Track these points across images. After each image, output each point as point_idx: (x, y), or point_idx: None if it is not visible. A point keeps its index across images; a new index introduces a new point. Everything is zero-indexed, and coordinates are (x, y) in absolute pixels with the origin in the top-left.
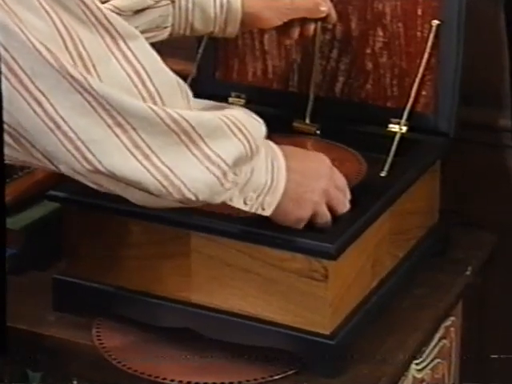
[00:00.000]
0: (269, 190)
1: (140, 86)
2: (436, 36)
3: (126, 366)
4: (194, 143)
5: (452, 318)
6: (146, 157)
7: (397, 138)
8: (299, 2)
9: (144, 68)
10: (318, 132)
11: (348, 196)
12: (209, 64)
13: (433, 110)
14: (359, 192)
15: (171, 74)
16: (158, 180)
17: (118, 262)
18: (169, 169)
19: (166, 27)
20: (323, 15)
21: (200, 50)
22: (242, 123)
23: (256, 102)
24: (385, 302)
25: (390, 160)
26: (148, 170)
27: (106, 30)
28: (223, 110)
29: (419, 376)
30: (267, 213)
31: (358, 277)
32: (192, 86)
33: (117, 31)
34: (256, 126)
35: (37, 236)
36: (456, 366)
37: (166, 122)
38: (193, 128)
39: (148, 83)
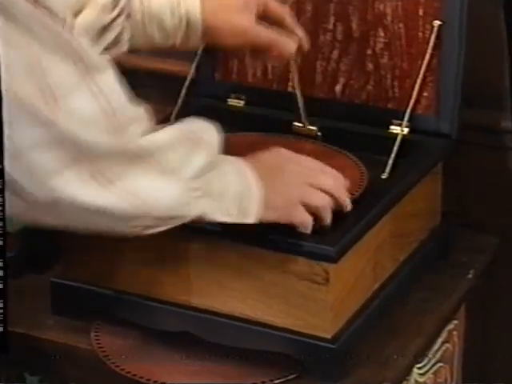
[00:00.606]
0: (248, 197)
1: (105, 119)
2: (437, 37)
3: (125, 370)
4: (154, 163)
5: (454, 322)
6: (108, 183)
7: (398, 139)
8: (264, 35)
9: (110, 102)
10: (319, 134)
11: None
12: (208, 64)
13: (434, 111)
14: (360, 194)
15: (136, 106)
16: (120, 203)
17: (117, 265)
18: (131, 191)
19: (123, 42)
20: (290, 52)
21: (199, 51)
22: (200, 135)
23: (256, 103)
24: (386, 306)
25: (391, 162)
26: (110, 195)
27: (79, 61)
28: (183, 125)
29: (421, 380)
30: (251, 220)
31: (359, 280)
32: (191, 87)
33: (88, 62)
34: (214, 136)
35: (34, 239)
36: (459, 370)
37: (127, 153)
38: (153, 150)
39: (112, 117)
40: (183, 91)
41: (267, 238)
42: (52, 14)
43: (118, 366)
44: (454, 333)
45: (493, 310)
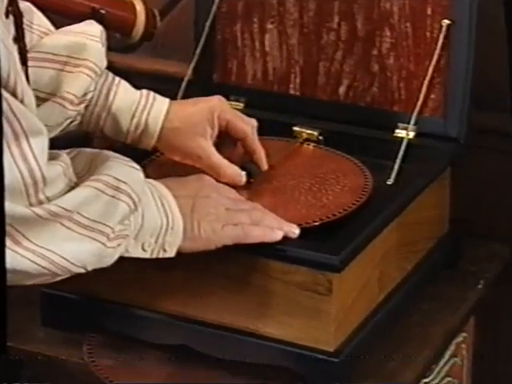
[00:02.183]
0: (167, 229)
1: (31, 187)
2: (446, 36)
3: None
4: (72, 221)
5: (463, 335)
6: (17, 243)
7: (404, 143)
8: (219, 168)
9: (40, 167)
10: (321, 138)
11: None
12: (206, 66)
13: (442, 114)
14: (364, 201)
15: (54, 166)
16: (34, 262)
17: (110, 274)
18: (46, 249)
19: (72, 125)
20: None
21: (197, 51)
22: (118, 179)
23: (255, 106)
24: (392, 317)
25: (396, 167)
26: (21, 255)
27: (10, 125)
28: (96, 174)
29: None
30: (170, 253)
31: (363, 290)
32: (188, 90)
33: (21, 127)
34: (133, 173)
35: None
36: None
37: (44, 217)
38: (71, 211)
39: (40, 183)
40: (180, 93)
41: (268, 247)
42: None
43: (111, 381)
44: (463, 346)
45: (503, 323)
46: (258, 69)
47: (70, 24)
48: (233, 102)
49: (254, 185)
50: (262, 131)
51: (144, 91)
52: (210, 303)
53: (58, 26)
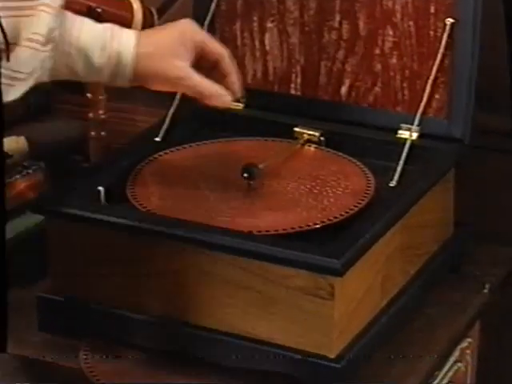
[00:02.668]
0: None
1: None
2: (450, 35)
3: None
4: None
5: (468, 340)
6: None
7: (407, 145)
8: (197, 86)
9: None
10: (322, 139)
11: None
12: None
13: (446, 114)
14: (367, 203)
15: None
16: None
17: (107, 279)
18: None
19: (44, 71)
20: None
21: None
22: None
23: (256, 106)
24: (395, 322)
25: (400, 169)
26: None
27: None
28: None
29: None
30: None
31: (366, 295)
32: None
33: None
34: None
35: (19, 251)
36: None
37: None
38: None
39: None
40: (178, 93)
41: (268, 250)
42: None
43: None
44: (467, 352)
45: (509, 328)
46: (258, 68)
47: None
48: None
49: (254, 187)
50: (262, 132)
51: (108, 24)
52: (209, 308)
53: None
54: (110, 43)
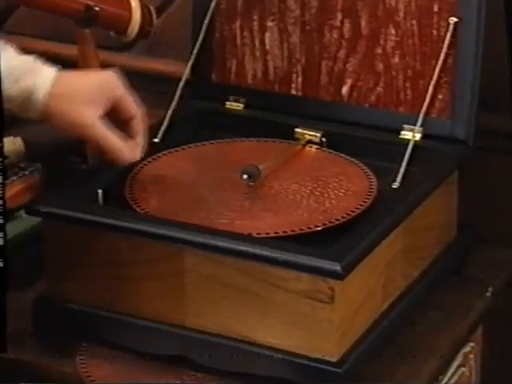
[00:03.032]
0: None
1: None
2: (453, 35)
3: None
4: None
5: (471, 344)
6: None
7: (410, 146)
8: (103, 138)
9: None
10: (324, 139)
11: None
12: (204, 65)
13: (449, 115)
14: (369, 205)
15: None
16: None
17: (105, 282)
18: None
19: None
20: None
21: (195, 50)
22: None
23: (256, 106)
24: (397, 326)
25: (402, 170)
26: None
27: None
28: None
29: None
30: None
31: (367, 298)
32: (185, 89)
33: None
34: None
35: (15, 253)
36: None
37: None
38: None
39: None
40: (177, 93)
41: (268, 253)
42: None
43: None
44: (471, 356)
45: None
46: (258, 68)
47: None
48: (232, 103)
49: (254, 188)
50: (262, 133)
51: (31, 57)
52: (208, 312)
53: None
54: (26, 77)
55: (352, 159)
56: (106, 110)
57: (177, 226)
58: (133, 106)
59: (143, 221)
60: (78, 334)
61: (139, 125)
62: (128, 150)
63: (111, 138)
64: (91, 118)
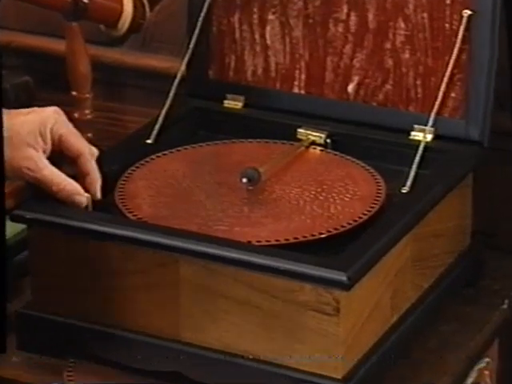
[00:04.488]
0: None
1: None
2: (467, 28)
3: None
4: None
5: (486, 360)
6: None
7: (421, 147)
8: (51, 180)
9: None
10: (328, 141)
11: None
12: (201, 61)
13: (463, 114)
14: (377, 211)
15: None
16: None
17: (94, 293)
18: None
19: None
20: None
21: (191, 45)
22: None
23: (256, 105)
24: (407, 341)
25: (412, 174)
26: None
27: None
28: None
29: None
30: None
31: (375, 311)
32: (181, 87)
33: None
34: None
35: None
36: None
37: None
38: None
39: None
40: (172, 91)
41: (268, 262)
42: None
43: None
44: (486, 372)
45: None
46: (259, 64)
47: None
48: (231, 101)
49: (254, 193)
50: (262, 133)
51: None
52: (204, 325)
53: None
54: None
55: (358, 162)
56: (49, 149)
57: (171, 234)
58: (77, 143)
59: (135, 227)
60: (65, 348)
61: (87, 162)
62: (79, 191)
63: (58, 180)
64: (38, 162)
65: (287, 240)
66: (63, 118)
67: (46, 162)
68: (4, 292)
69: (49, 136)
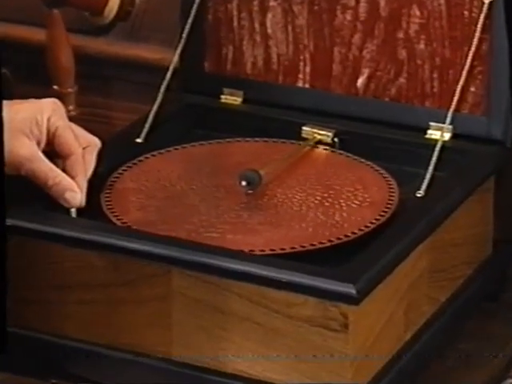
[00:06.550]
0: None
1: None
2: (488, 16)
3: None
4: None
5: (510, 381)
6: None
7: (438, 147)
8: (46, 173)
9: None
10: (336, 140)
11: None
12: (196, 52)
13: (484, 111)
14: (389, 217)
15: None
16: None
17: (77, 307)
18: None
19: None
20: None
21: (184, 34)
22: None
23: (256, 101)
24: (422, 360)
25: (428, 176)
26: None
27: None
28: None
29: None
30: None
31: (387, 327)
32: (173, 81)
33: None
34: None
35: None
36: None
37: None
38: None
39: None
40: (164, 85)
41: (270, 274)
42: None
43: None
44: None
45: None
46: (259, 56)
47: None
48: (228, 96)
49: (254, 197)
50: (263, 132)
51: None
52: (197, 342)
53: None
54: None
55: (369, 163)
56: (44, 140)
57: (163, 242)
58: (70, 140)
59: (123, 235)
60: (46, 368)
61: (78, 165)
62: (74, 189)
63: (53, 174)
64: (32, 152)
65: (283, 249)
66: (62, 111)
67: (41, 154)
68: (4, 292)
69: (45, 125)
